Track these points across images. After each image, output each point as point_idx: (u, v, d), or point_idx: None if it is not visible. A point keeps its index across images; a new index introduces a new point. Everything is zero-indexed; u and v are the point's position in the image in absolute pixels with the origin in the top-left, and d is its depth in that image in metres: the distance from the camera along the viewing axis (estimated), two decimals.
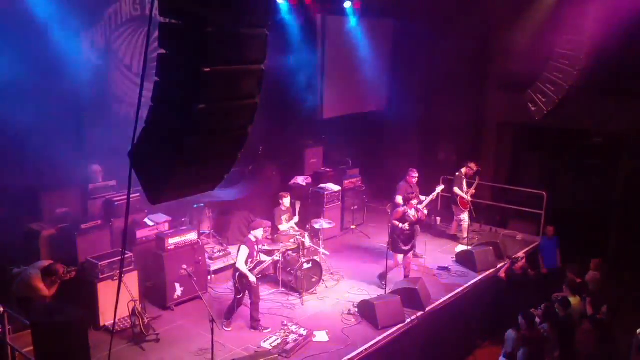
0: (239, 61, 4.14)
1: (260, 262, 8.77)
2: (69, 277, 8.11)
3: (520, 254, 11.36)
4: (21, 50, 9.01)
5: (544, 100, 12.58)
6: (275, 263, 10.26)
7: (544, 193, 12.82)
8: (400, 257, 10.07)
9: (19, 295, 7.92)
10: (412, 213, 9.98)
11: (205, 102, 4.02)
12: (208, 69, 3.92)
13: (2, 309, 6.71)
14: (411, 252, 10.41)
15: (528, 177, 14.58)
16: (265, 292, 10.06)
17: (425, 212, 10.66)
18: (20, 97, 9.00)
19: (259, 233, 8.81)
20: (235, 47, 4.06)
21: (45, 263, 8.07)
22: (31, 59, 9.07)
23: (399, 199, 10.81)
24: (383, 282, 10.19)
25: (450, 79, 14.56)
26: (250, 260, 8.63)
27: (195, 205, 11.42)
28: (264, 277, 10.50)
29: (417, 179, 11.44)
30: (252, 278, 8.58)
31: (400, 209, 10.05)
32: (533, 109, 12.83)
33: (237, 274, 8.66)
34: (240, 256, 8.62)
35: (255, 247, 8.75)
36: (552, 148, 14.59)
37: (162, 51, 4.09)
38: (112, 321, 6.52)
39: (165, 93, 4.14)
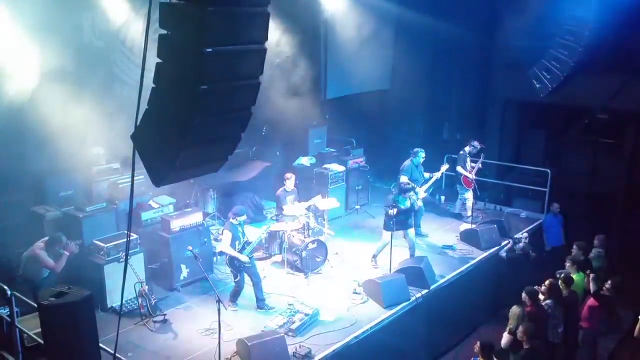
0: (240, 41, 4.11)
1: (249, 242, 8.82)
2: (75, 250, 8.19)
3: (522, 234, 11.37)
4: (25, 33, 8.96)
5: (548, 77, 12.48)
6: (280, 243, 10.32)
7: (549, 170, 12.78)
8: (388, 234, 10.06)
9: (26, 274, 8.01)
10: (403, 203, 9.96)
11: (207, 82, 4.00)
12: (210, 50, 3.89)
13: (9, 292, 6.78)
14: (410, 231, 10.39)
15: (533, 155, 14.53)
16: (271, 272, 10.13)
17: (425, 194, 10.72)
18: (23, 80, 8.97)
19: (242, 219, 8.85)
20: (236, 27, 4.03)
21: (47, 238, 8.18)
22: (34, 43, 9.02)
23: (405, 179, 10.79)
24: (374, 262, 10.32)
25: (455, 57, 14.44)
26: (237, 242, 8.69)
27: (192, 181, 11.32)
28: (268, 258, 10.60)
29: (424, 158, 11.36)
30: (244, 257, 8.63)
31: (390, 197, 10.06)
32: (538, 86, 12.74)
33: (227, 257, 8.76)
34: (223, 240, 8.70)
35: (239, 228, 8.79)
36: (557, 125, 14.51)
37: (163, 32, 4.05)
38: (119, 302, 6.57)
39: (167, 74, 4.11)
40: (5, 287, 6.84)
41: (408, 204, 10.03)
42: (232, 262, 8.70)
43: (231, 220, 8.79)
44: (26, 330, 6.94)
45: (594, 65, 12.18)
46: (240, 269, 8.71)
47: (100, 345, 6.24)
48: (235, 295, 8.87)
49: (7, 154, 9.06)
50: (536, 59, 12.66)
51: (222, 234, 8.80)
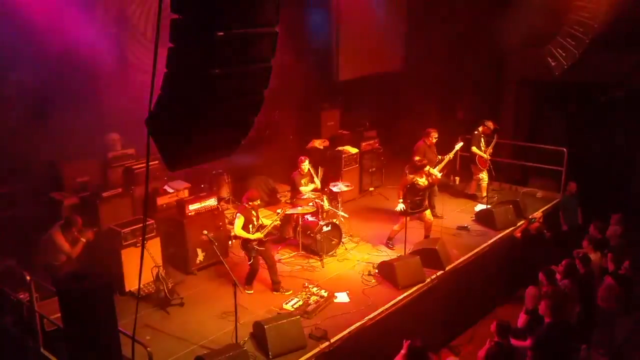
0: (253, 24, 4.08)
1: (263, 226, 8.84)
2: (91, 237, 8.27)
3: (537, 214, 11.29)
4: (36, 20, 8.98)
5: (564, 54, 12.29)
6: (294, 226, 10.35)
7: (565, 149, 12.65)
8: (404, 219, 10.00)
9: (44, 259, 8.11)
10: (421, 181, 9.91)
11: (219, 66, 3.98)
12: (222, 33, 3.87)
13: (28, 278, 6.87)
14: (427, 212, 10.35)
15: (548, 134, 14.37)
16: (286, 255, 10.18)
17: (439, 174, 10.61)
18: (38, 67, 9.01)
19: (256, 203, 8.87)
20: (248, 9, 4.00)
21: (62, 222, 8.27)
22: (47, 29, 9.04)
23: (418, 158, 10.73)
24: (390, 243, 10.32)
25: (468, 36, 14.27)
26: (251, 225, 8.71)
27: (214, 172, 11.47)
28: (282, 241, 10.64)
29: (436, 139, 11.33)
30: (256, 235, 8.65)
31: (409, 177, 9.97)
32: (553, 64, 12.55)
33: (242, 241, 8.79)
34: (236, 224, 8.72)
35: (253, 212, 8.80)
36: (573, 103, 14.33)
37: (175, 16, 4.04)
38: (137, 287, 6.65)
39: (179, 59, 4.10)
40: (25, 273, 6.94)
41: (426, 181, 9.97)
42: (246, 245, 8.74)
43: (245, 204, 8.83)
44: (46, 316, 7.04)
45: (610, 42, 11.98)
46: (254, 252, 8.75)
47: (119, 329, 6.32)
48: (250, 278, 8.93)
49: (23, 141, 9.13)
50: (551, 36, 12.47)
51: (236, 217, 8.84)
